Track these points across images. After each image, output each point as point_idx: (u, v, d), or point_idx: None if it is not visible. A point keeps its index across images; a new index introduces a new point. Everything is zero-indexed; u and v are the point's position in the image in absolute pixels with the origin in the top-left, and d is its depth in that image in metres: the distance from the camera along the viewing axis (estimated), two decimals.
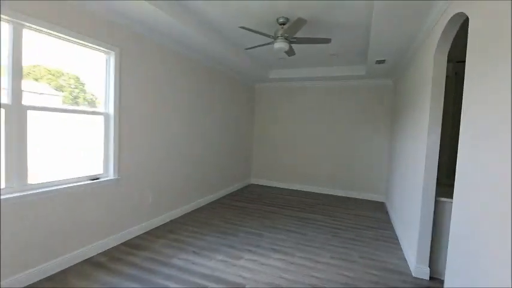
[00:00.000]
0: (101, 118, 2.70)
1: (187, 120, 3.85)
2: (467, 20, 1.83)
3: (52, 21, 2.15)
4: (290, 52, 3.31)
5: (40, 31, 2.13)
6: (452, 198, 2.42)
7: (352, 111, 5.37)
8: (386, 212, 4.43)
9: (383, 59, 3.73)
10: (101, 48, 2.59)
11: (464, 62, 3.09)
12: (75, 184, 2.41)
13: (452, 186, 2.97)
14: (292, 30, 2.71)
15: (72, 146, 2.59)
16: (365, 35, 3.28)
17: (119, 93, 2.77)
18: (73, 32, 2.31)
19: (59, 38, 2.28)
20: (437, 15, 2.18)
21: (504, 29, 1.20)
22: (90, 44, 2.48)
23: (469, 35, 1.59)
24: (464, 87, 1.61)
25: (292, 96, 5.88)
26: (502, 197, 1.13)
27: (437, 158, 2.37)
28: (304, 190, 5.78)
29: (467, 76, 1.60)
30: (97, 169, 2.71)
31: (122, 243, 2.89)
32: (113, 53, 2.70)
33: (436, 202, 2.45)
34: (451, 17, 1.91)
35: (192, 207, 4.08)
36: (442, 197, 2.46)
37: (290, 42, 2.96)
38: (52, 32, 2.18)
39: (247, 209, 4.29)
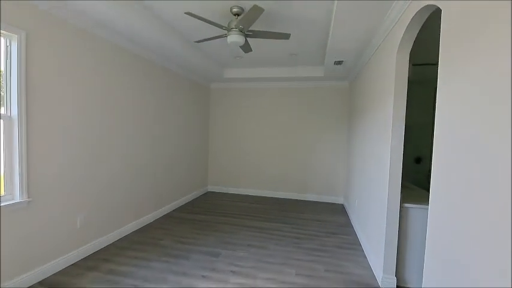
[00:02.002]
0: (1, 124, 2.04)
1: (128, 123, 3.26)
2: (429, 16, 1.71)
3: None
4: (246, 47, 2.99)
5: None
6: (417, 203, 2.36)
7: (310, 113, 5.28)
8: (346, 215, 4.39)
9: (341, 59, 3.64)
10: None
11: (420, 65, 3.11)
12: None
13: (412, 189, 2.99)
14: (247, 20, 2.38)
15: None
16: (325, 33, 3.12)
17: (26, 91, 2.12)
18: None
19: None
20: (402, 8, 2.05)
21: (488, 15, 1.03)
22: None
23: (442, 27, 1.43)
24: (438, 85, 1.45)
25: (249, 97, 5.58)
26: (480, 199, 0.95)
27: (401, 162, 2.27)
28: (263, 195, 5.52)
29: (441, 74, 1.44)
30: None
31: (38, 282, 2.23)
32: (15, 36, 2.05)
33: (401, 208, 2.34)
34: (418, 10, 1.77)
35: (136, 225, 3.48)
36: (406, 202, 2.37)
37: (246, 36, 2.63)
38: None
39: (202, 222, 3.84)
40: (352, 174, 4.31)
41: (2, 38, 2.03)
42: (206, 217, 4.06)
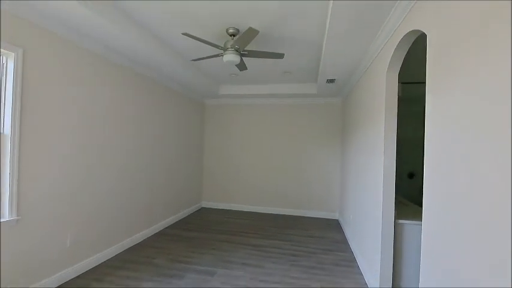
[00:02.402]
0: None
1: (120, 139, 3.25)
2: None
3: None
4: (241, 66, 3.07)
5: None
6: (411, 219, 2.38)
7: (304, 129, 5.35)
8: (342, 231, 4.36)
9: (333, 78, 3.75)
10: None
11: (407, 83, 3.22)
12: None
13: (407, 205, 3.01)
14: (243, 41, 2.46)
15: None
16: (317, 52, 3.23)
17: (20, 108, 2.12)
18: None
19: None
20: (389, 33, 2.16)
21: (468, 40, 1.10)
22: None
23: (428, 51, 1.51)
24: (426, 103, 1.52)
25: (244, 113, 5.65)
26: (472, 213, 0.97)
27: (394, 178, 2.30)
28: (259, 212, 5.47)
29: (428, 93, 1.50)
30: None
31: None
32: (12, 54, 2.07)
33: (396, 224, 2.35)
34: (406, 34, 1.86)
35: (128, 243, 3.39)
36: (400, 218, 2.38)
37: (241, 55, 2.71)
38: None
39: (197, 239, 3.77)
40: (346, 190, 4.33)
41: None
42: (201, 234, 3.99)
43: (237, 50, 2.60)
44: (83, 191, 2.71)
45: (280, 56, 2.77)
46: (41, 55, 2.27)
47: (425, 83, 1.73)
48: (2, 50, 1.99)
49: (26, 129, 2.16)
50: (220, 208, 5.67)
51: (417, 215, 2.47)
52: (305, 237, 4.01)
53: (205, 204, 5.79)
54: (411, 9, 1.76)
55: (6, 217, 2.06)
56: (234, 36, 2.69)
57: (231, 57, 2.60)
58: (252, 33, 2.32)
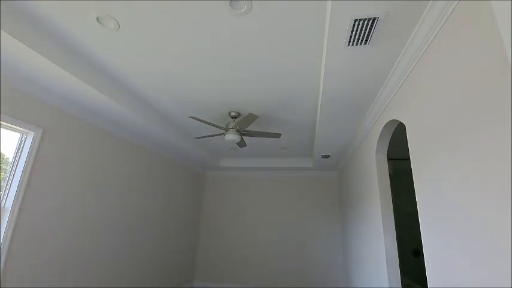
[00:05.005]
0: None
1: (112, 213, 3.21)
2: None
3: None
4: (241, 144, 3.29)
5: None
6: None
7: (302, 202, 5.32)
8: None
9: (328, 154, 3.97)
10: (16, 127, 2.15)
11: (397, 159, 3.42)
12: None
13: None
14: (243, 124, 2.73)
15: None
16: (312, 131, 3.52)
17: (26, 184, 2.19)
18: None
19: None
20: (372, 121, 2.43)
21: (438, 129, 1.27)
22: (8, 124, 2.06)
23: (408, 138, 1.69)
24: (414, 180, 1.62)
25: (243, 185, 5.71)
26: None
27: (398, 259, 2.22)
28: None
29: (414, 171, 1.63)
30: None
31: None
32: (32, 133, 2.26)
33: None
34: (386, 123, 2.10)
35: None
36: None
37: (241, 135, 2.95)
38: None
39: None
40: (350, 270, 4.05)
41: (18, 134, 2.23)
42: None
43: (237, 131, 2.85)
44: (68, 266, 2.54)
45: (277, 135, 3.02)
46: (58, 134, 2.47)
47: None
48: (22, 128, 2.19)
49: (25, 205, 2.18)
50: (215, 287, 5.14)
51: None
52: None
53: (198, 284, 5.26)
54: (389, 103, 2.05)
55: None
56: (235, 118, 2.98)
57: (232, 136, 2.82)
58: (251, 118, 2.59)
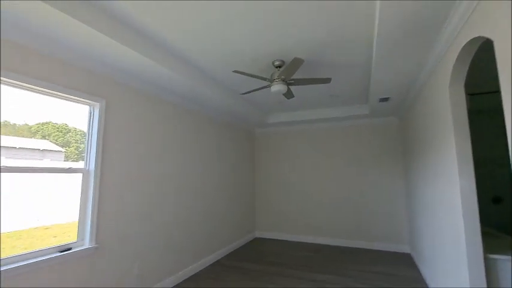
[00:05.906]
0: (79, 176, 2.38)
1: (179, 175, 3.51)
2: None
3: (32, 76, 1.98)
4: (288, 94, 3.14)
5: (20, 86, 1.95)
6: (505, 254, 1.95)
7: (360, 153, 5.05)
8: (415, 266, 3.79)
9: (386, 96, 3.55)
10: (85, 100, 2.40)
11: (475, 94, 2.86)
12: (39, 259, 1.97)
13: (497, 236, 2.50)
14: (289, 71, 2.55)
15: (45, 209, 2.26)
16: (366, 72, 3.13)
17: (102, 148, 2.49)
18: (59, 86, 2.16)
19: (44, 93, 2.10)
20: (445, 46, 1.99)
21: None
22: (73, 97, 2.30)
23: (498, 62, 1.33)
24: (505, 115, 1.31)
25: (294, 140, 5.64)
26: None
27: (477, 205, 1.96)
28: (315, 242, 5.14)
29: (505, 102, 1.30)
30: (71, 236, 2.29)
31: None
32: (97, 104, 2.50)
33: (486, 260, 1.95)
34: (465, 45, 1.70)
35: (187, 273, 3.49)
36: (491, 253, 1.98)
37: (288, 84, 2.79)
38: (34, 86, 2.00)
39: (251, 272, 3.68)
40: (416, 220, 3.83)
41: (87, 106, 2.49)
42: (255, 266, 3.89)
43: (283, 80, 2.69)
44: (150, 224, 2.95)
45: (327, 81, 2.77)
46: (118, 104, 2.69)
47: (499, 92, 1.52)
48: (89, 101, 2.43)
49: (105, 167, 2.52)
50: (274, 238, 5.52)
51: None
52: (371, 273, 3.58)
53: (259, 234, 5.70)
54: (470, 16, 1.62)
55: (87, 244, 2.34)
56: (279, 67, 2.80)
57: (278, 87, 2.69)
58: (298, 62, 2.39)
